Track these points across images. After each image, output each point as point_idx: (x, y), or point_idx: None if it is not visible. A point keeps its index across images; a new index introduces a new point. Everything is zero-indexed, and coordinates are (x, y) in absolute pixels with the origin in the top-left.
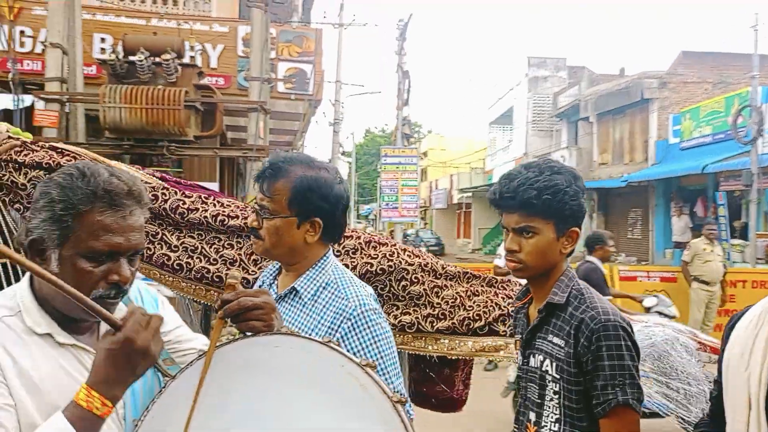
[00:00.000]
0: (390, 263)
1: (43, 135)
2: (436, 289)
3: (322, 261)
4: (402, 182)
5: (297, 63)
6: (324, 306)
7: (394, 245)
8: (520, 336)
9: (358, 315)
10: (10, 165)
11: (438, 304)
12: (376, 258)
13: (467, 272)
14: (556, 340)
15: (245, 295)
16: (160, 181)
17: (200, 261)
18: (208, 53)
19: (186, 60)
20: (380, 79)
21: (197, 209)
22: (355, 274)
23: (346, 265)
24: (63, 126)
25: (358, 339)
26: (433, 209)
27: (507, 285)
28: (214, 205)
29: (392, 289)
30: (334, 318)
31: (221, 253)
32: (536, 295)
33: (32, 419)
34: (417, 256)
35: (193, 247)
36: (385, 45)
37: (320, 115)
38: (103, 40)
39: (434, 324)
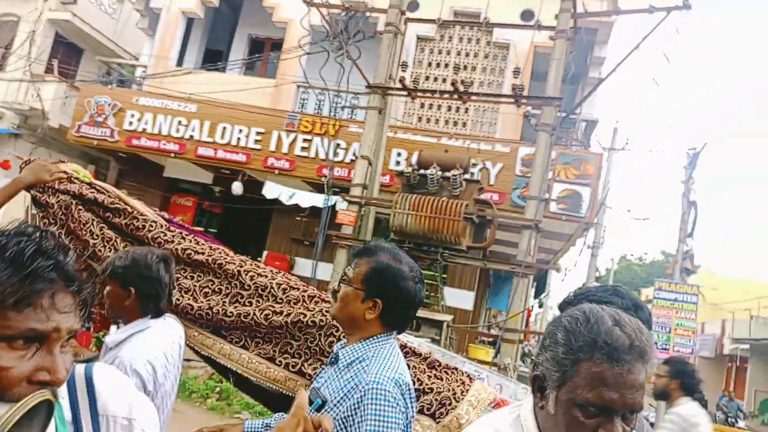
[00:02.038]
0: (322, 318)
1: (341, 231)
2: None
3: (374, 339)
4: (676, 321)
5: (573, 185)
6: (351, 376)
7: None
8: None
9: (369, 389)
10: (50, 190)
11: None
12: (312, 311)
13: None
14: None
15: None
16: (165, 221)
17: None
18: (488, 170)
19: (469, 176)
20: (648, 206)
21: (171, 242)
22: (288, 321)
23: (280, 312)
24: (357, 225)
25: (362, 411)
26: (696, 356)
27: None
28: (189, 242)
29: (319, 343)
30: (352, 388)
31: (193, 286)
32: None
33: None
34: None
35: (187, 288)
36: (663, 171)
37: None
38: (399, 154)
39: None
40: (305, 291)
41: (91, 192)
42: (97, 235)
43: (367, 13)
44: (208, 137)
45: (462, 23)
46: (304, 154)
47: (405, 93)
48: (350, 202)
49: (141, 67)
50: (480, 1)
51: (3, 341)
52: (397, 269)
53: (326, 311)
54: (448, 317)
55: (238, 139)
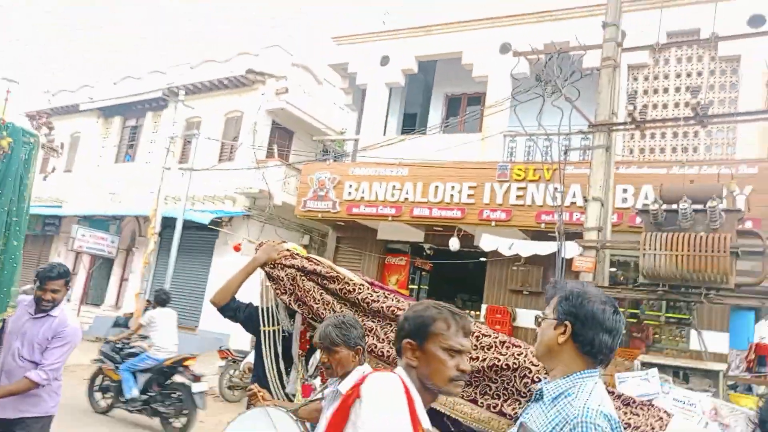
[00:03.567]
0: (515, 361)
1: (580, 278)
2: None
3: (576, 375)
4: None
5: None
6: (557, 410)
7: (527, 348)
8: None
9: (578, 423)
10: (279, 266)
11: None
12: (504, 355)
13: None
14: None
15: None
16: (366, 283)
17: (372, 339)
18: (733, 195)
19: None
20: None
21: (377, 301)
22: (484, 366)
23: (476, 358)
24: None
25: None
26: None
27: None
28: (392, 300)
29: (515, 384)
30: (560, 422)
31: (388, 335)
32: None
33: None
34: None
35: (369, 329)
36: None
37: None
38: (624, 190)
39: None
40: (496, 337)
41: (311, 264)
42: (318, 300)
43: (574, 52)
44: (422, 197)
45: (680, 43)
46: (520, 202)
47: (634, 127)
48: (586, 248)
49: (350, 140)
50: (697, 17)
51: None
52: (582, 292)
53: (517, 355)
54: (722, 365)
55: (452, 195)
